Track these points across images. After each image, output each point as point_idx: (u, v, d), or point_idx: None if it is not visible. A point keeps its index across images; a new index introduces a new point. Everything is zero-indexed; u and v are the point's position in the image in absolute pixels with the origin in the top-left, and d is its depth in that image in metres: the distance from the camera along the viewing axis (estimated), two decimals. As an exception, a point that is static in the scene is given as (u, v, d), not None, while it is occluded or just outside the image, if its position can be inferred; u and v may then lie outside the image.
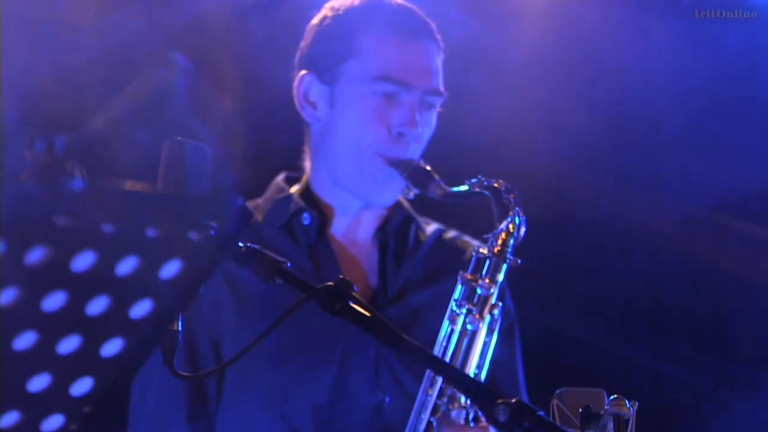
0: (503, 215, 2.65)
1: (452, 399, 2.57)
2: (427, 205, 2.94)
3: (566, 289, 4.22)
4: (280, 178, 2.97)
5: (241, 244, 1.99)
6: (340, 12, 2.85)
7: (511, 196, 2.66)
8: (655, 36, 4.12)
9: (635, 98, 4.17)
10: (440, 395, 2.58)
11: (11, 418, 1.66)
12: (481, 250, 2.66)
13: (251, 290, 2.73)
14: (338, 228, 2.89)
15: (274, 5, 3.43)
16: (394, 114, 2.78)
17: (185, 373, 2.17)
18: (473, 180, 2.70)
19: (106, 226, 1.58)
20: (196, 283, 1.72)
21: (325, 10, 2.89)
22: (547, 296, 4.09)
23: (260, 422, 2.70)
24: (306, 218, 2.85)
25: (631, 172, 4.28)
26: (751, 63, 4.11)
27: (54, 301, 1.59)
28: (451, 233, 3.00)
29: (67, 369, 1.66)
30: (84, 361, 1.66)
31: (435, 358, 1.99)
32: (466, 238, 2.99)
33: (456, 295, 2.64)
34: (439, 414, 2.58)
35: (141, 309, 1.67)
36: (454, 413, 2.58)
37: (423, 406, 2.59)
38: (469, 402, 2.56)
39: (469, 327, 2.61)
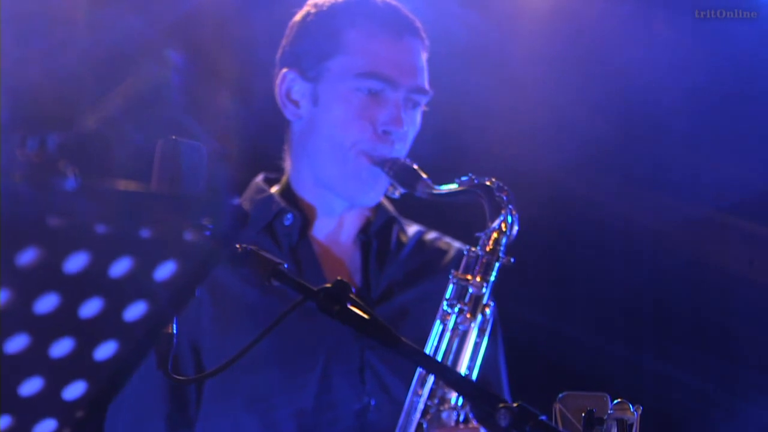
0: (495, 214, 2.63)
1: (443, 400, 2.55)
2: (419, 206, 2.91)
3: (570, 291, 4.21)
4: (259, 178, 2.94)
5: (237, 245, 1.96)
6: (324, 8, 2.82)
7: (504, 194, 2.63)
8: (659, 35, 4.11)
9: (639, 97, 4.16)
10: (431, 396, 2.55)
11: (3, 422, 1.64)
12: (472, 248, 2.63)
13: (231, 296, 2.70)
14: (320, 229, 2.86)
15: (270, 0, 3.41)
16: (380, 112, 2.75)
17: (180, 377, 2.14)
18: (463, 178, 2.67)
19: (100, 226, 1.56)
20: (191, 285, 1.70)
21: (308, 7, 2.86)
22: (550, 298, 4.08)
23: (243, 430, 2.68)
24: (288, 219, 2.82)
25: (635, 171, 4.26)
26: (756, 62, 4.10)
27: (46, 304, 1.58)
28: (431, 234, 2.98)
29: (59, 373, 1.64)
30: (77, 364, 1.64)
31: (434, 361, 1.97)
32: (447, 239, 2.97)
33: (447, 294, 2.62)
34: (429, 415, 2.55)
35: (135, 311, 1.65)
36: (444, 415, 2.56)
37: (412, 408, 2.57)
38: (459, 403, 2.54)
39: (460, 327, 2.59)
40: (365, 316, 1.92)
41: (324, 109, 2.79)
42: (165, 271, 1.63)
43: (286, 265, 1.98)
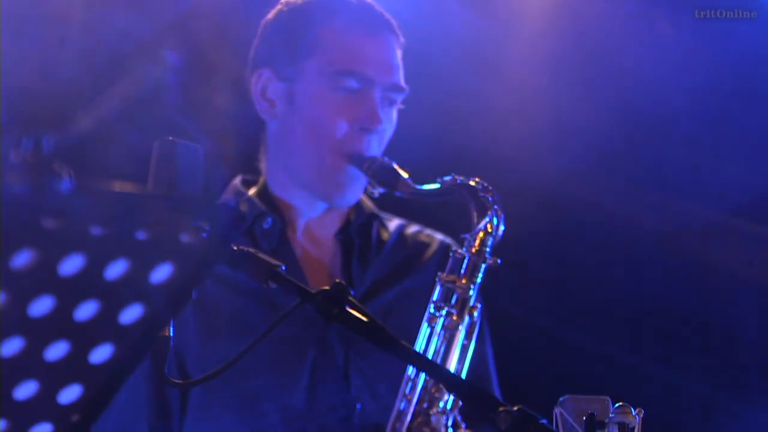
0: (481, 214, 2.60)
1: (431, 404, 2.53)
2: (404, 205, 2.88)
3: (571, 293, 4.19)
4: (237, 180, 2.91)
5: (234, 247, 1.94)
6: (297, 6, 2.80)
7: (489, 194, 2.61)
8: (659, 35, 4.10)
9: (640, 98, 4.15)
10: (419, 401, 2.53)
11: (-3, 426, 1.62)
12: (458, 250, 2.61)
13: (216, 305, 2.68)
14: (300, 230, 2.84)
15: (267, 1, 3.39)
16: (356, 110, 2.72)
17: (177, 381, 2.13)
18: (446, 178, 2.64)
19: (95, 228, 1.55)
20: (188, 288, 1.68)
21: (281, 6, 2.83)
22: (552, 301, 4.07)
23: None
24: (267, 222, 2.79)
25: (636, 172, 4.25)
26: (757, 62, 4.09)
27: (41, 306, 1.57)
28: (412, 228, 2.95)
29: (54, 376, 1.63)
30: (72, 368, 1.63)
31: (432, 363, 1.95)
32: (428, 231, 2.95)
33: (434, 296, 2.59)
34: (418, 419, 2.54)
35: (131, 314, 1.64)
36: (433, 419, 2.54)
37: (401, 412, 2.54)
38: (448, 407, 2.52)
39: (447, 329, 2.57)
40: (363, 318, 1.90)
41: (299, 108, 2.76)
42: (161, 273, 1.62)
43: (283, 267, 1.97)
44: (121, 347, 1.65)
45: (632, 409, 2.06)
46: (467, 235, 2.62)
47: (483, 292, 2.76)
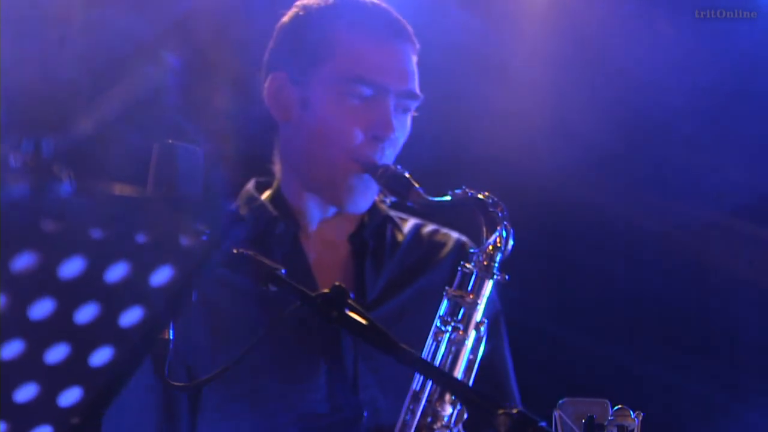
0: (491, 229, 2.59)
1: (436, 418, 2.52)
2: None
3: (570, 295, 4.20)
4: (250, 185, 2.90)
5: (234, 250, 1.94)
6: (313, 11, 2.78)
7: (498, 209, 2.60)
8: (659, 35, 4.10)
9: (640, 98, 4.15)
10: (423, 414, 2.52)
11: (-2, 429, 1.62)
12: (466, 264, 2.60)
13: (224, 310, 2.67)
14: (312, 235, 2.82)
15: (268, 2, 3.39)
16: (370, 117, 2.70)
17: (178, 383, 2.13)
18: (457, 191, 2.63)
19: (95, 231, 1.55)
20: (188, 290, 1.68)
21: (296, 9, 2.81)
22: (551, 303, 4.07)
23: None
24: (279, 228, 2.78)
25: (636, 173, 4.25)
26: (757, 62, 4.09)
27: (41, 309, 1.57)
28: (428, 227, 2.93)
29: (55, 379, 1.63)
30: (72, 370, 1.63)
31: (432, 366, 1.96)
32: (445, 230, 2.93)
33: (441, 311, 2.58)
34: None
35: (131, 317, 1.64)
36: None
37: (405, 424, 2.54)
38: (453, 422, 2.52)
39: (453, 344, 2.56)
40: (363, 321, 1.90)
41: (312, 113, 2.74)
42: (161, 276, 1.62)
43: (283, 271, 1.97)
44: (121, 350, 1.65)
45: (631, 412, 2.06)
46: (476, 250, 2.61)
47: (500, 294, 2.77)
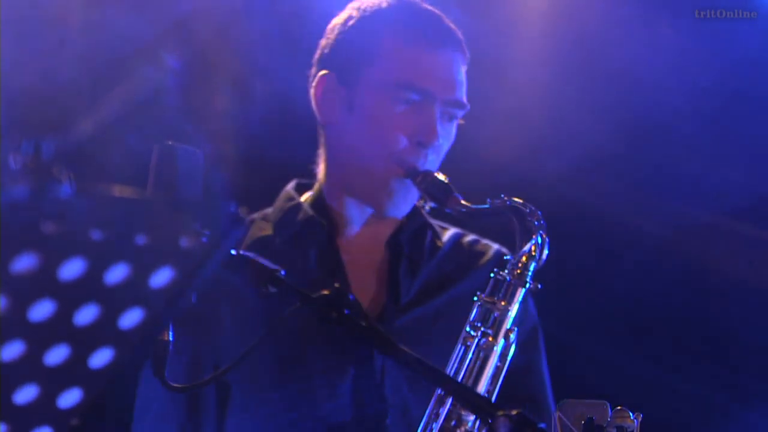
0: (526, 237, 2.60)
1: (459, 423, 2.52)
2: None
3: (570, 297, 4.19)
4: (291, 186, 2.91)
5: (234, 252, 1.94)
6: (367, 13, 2.78)
7: (535, 218, 2.60)
8: (659, 36, 4.10)
9: (640, 99, 4.15)
10: (447, 419, 2.52)
11: (-3, 431, 1.63)
12: (500, 272, 2.60)
13: (255, 311, 2.67)
14: (349, 236, 2.82)
15: (268, 3, 3.39)
16: (415, 123, 2.71)
17: (176, 385, 2.13)
18: (496, 200, 2.63)
19: (95, 233, 1.55)
20: (188, 292, 1.68)
21: (350, 10, 2.81)
22: (550, 304, 4.06)
23: None
24: (315, 227, 2.78)
25: (636, 175, 4.25)
26: (757, 62, 4.09)
27: (41, 311, 1.57)
28: (469, 237, 2.93)
29: (54, 380, 1.63)
30: (72, 372, 1.63)
31: (433, 368, 1.95)
32: (486, 241, 2.93)
33: (471, 316, 2.58)
34: None
35: (131, 318, 1.64)
36: None
37: (429, 429, 2.54)
38: (476, 427, 2.51)
39: (481, 350, 2.55)
40: (363, 323, 1.90)
41: (358, 116, 2.74)
42: (161, 277, 1.62)
43: (282, 272, 1.97)
44: (121, 351, 1.65)
45: (630, 413, 2.07)
46: (510, 258, 2.61)
47: (537, 304, 2.77)
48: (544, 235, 2.58)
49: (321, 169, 2.84)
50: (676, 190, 4.24)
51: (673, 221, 4.24)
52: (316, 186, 2.85)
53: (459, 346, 2.56)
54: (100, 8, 3.47)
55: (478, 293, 2.58)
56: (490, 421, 1.77)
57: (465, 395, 1.96)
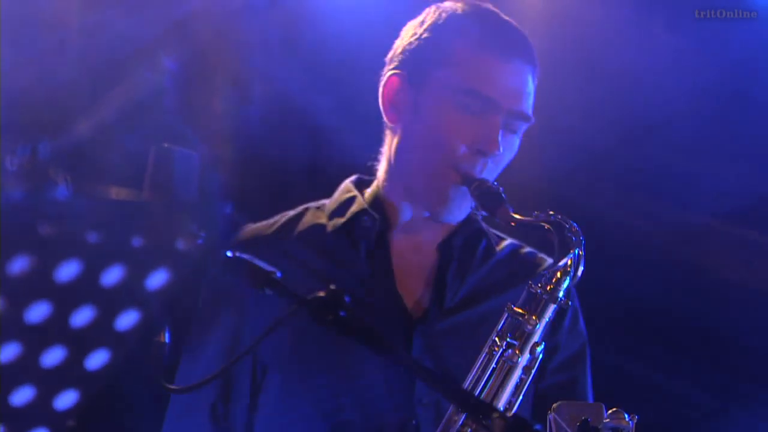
0: (563, 253, 2.59)
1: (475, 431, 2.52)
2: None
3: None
4: (351, 179, 2.92)
5: (229, 254, 1.94)
6: (442, 17, 2.78)
7: (574, 234, 2.60)
8: (659, 36, 4.09)
9: (639, 100, 4.14)
10: (464, 424, 2.52)
11: (-6, 432, 1.63)
12: (533, 286, 2.59)
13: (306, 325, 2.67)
14: (401, 236, 2.82)
15: (266, 6, 3.39)
16: (477, 131, 2.70)
17: (175, 386, 2.13)
18: (540, 213, 2.63)
19: (91, 234, 1.55)
20: (184, 294, 1.69)
21: (428, 12, 2.82)
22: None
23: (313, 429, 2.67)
24: (366, 221, 2.78)
25: (634, 176, 4.24)
26: (756, 62, 4.09)
27: (37, 313, 1.57)
28: (527, 249, 2.93)
29: (51, 382, 1.63)
30: (68, 373, 1.63)
31: (429, 370, 1.96)
32: (542, 255, 2.93)
33: (499, 326, 2.58)
34: None
35: (127, 320, 1.64)
36: None
37: None
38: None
39: (506, 361, 2.55)
40: (359, 325, 1.91)
41: (423, 119, 2.74)
42: (157, 279, 1.62)
43: (279, 274, 1.96)
44: (117, 353, 1.65)
45: (626, 415, 2.06)
46: (545, 272, 2.60)
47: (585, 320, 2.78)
48: (581, 252, 2.58)
49: (382, 167, 2.85)
50: (675, 191, 4.24)
51: (672, 221, 4.24)
52: (375, 183, 2.85)
53: (483, 354, 2.55)
54: (98, 10, 3.48)
55: (508, 303, 2.57)
56: (487, 422, 1.77)
57: (462, 398, 1.96)
